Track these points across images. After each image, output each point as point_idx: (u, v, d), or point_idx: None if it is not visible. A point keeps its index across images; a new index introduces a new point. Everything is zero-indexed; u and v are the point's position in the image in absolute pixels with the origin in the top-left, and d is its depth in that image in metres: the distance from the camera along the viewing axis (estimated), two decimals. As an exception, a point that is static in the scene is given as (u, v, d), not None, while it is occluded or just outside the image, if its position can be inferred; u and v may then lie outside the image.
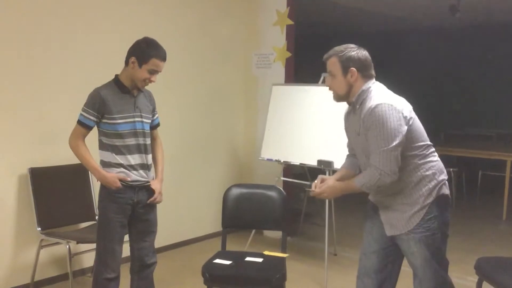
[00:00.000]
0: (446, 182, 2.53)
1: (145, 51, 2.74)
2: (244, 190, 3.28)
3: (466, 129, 8.60)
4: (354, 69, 2.43)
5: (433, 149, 2.55)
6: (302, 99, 4.46)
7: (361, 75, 2.45)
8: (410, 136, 2.40)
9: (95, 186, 3.73)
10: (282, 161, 4.50)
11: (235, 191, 3.26)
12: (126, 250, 3.00)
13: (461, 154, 6.57)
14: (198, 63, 4.86)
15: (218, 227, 3.41)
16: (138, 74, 2.76)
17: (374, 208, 2.62)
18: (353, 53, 2.45)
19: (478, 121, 8.66)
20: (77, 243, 3.48)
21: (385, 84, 2.55)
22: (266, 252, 3.04)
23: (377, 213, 2.59)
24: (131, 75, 2.78)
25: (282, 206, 3.21)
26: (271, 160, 4.56)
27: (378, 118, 2.32)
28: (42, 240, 3.61)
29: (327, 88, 2.58)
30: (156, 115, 3.05)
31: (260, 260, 2.98)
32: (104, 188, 2.86)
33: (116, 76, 2.85)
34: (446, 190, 2.51)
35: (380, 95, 2.40)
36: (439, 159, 2.55)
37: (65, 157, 3.64)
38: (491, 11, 7.26)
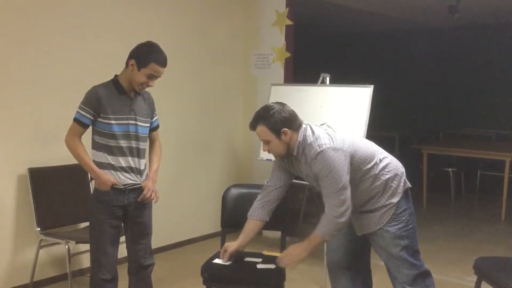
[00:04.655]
0: (404, 173, 2.62)
1: (145, 55, 2.70)
2: (243, 190, 3.28)
3: (465, 129, 8.61)
4: (285, 129, 2.47)
5: (381, 150, 2.63)
6: (301, 99, 4.45)
7: (292, 130, 2.50)
8: (356, 158, 2.49)
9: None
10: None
11: (234, 191, 3.25)
12: (124, 251, 3.00)
13: (460, 154, 6.57)
14: (197, 63, 4.86)
15: (217, 227, 3.41)
16: (136, 78, 2.73)
17: None
18: (277, 115, 2.47)
19: (477, 121, 8.67)
20: (76, 243, 3.50)
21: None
22: (265, 252, 3.04)
23: None
24: (129, 77, 2.76)
25: (281, 206, 3.21)
26: (270, 160, 4.56)
27: (323, 165, 2.41)
28: (41, 240, 3.61)
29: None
30: (156, 118, 3.03)
31: (259, 260, 2.98)
32: (95, 189, 2.85)
33: (116, 76, 2.84)
34: (408, 183, 2.62)
35: (314, 141, 2.46)
36: (389, 155, 2.64)
37: (65, 157, 3.63)
38: (491, 12, 7.27)
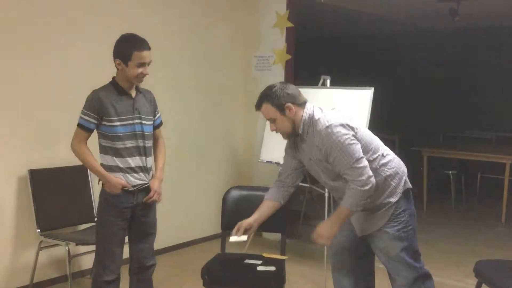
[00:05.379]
0: (406, 173, 2.61)
1: (125, 49, 2.73)
2: (243, 192, 3.28)
3: (465, 131, 8.61)
4: (289, 104, 2.48)
5: (385, 147, 2.62)
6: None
7: (297, 105, 2.51)
8: (362, 144, 2.47)
9: (95, 188, 3.73)
10: (281, 163, 4.49)
11: (235, 193, 3.25)
12: (125, 252, 3.00)
13: (460, 157, 6.57)
14: (198, 65, 4.86)
15: (217, 229, 3.40)
16: (129, 73, 2.75)
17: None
18: (279, 91, 2.49)
19: (477, 124, 8.67)
20: (76, 244, 3.49)
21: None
22: (265, 254, 3.04)
23: None
24: (124, 76, 2.78)
25: (281, 208, 3.21)
26: (270, 162, 4.56)
27: (332, 140, 2.40)
28: (41, 241, 3.61)
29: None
30: (158, 115, 3.04)
31: (259, 262, 2.98)
32: (104, 191, 2.85)
33: (113, 78, 2.85)
34: (409, 184, 2.60)
35: (323, 117, 2.47)
36: (393, 153, 2.63)
37: (65, 158, 3.64)
38: (491, 15, 7.28)
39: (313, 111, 2.50)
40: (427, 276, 2.61)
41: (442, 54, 8.91)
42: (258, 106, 2.55)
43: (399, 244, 2.51)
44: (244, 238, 2.71)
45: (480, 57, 8.55)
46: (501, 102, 8.42)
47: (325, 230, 2.54)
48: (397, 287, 2.60)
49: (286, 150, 2.74)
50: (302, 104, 2.53)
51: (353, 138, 2.41)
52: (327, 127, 2.41)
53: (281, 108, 2.49)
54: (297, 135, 2.56)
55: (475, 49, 8.58)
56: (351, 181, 2.41)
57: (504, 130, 8.27)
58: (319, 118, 2.46)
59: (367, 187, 2.39)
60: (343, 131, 2.41)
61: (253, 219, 2.72)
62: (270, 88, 2.54)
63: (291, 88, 2.53)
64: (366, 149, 2.48)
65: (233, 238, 2.72)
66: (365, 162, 2.40)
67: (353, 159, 2.38)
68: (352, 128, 2.45)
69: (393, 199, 2.51)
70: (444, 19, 6.77)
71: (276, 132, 2.59)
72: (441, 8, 6.41)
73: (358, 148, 2.41)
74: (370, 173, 2.40)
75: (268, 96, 2.50)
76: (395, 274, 2.58)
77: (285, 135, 2.60)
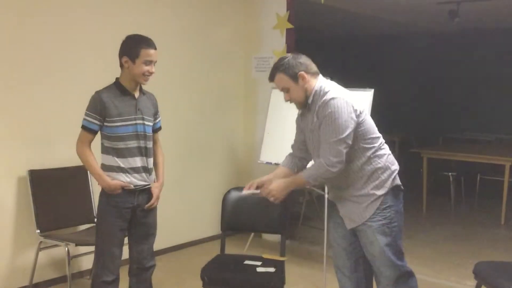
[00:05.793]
0: (397, 171, 2.62)
1: (133, 47, 2.75)
2: (243, 193, 3.28)
3: (464, 133, 8.63)
4: (302, 72, 2.53)
5: (384, 142, 2.64)
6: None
7: (310, 74, 2.56)
8: (362, 129, 2.50)
9: (95, 189, 3.74)
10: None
11: (234, 194, 3.26)
12: (125, 252, 3.00)
13: (460, 159, 6.57)
14: (198, 67, 4.87)
15: (217, 230, 3.42)
16: (135, 71, 2.76)
17: (335, 206, 2.69)
18: (292, 60, 2.56)
19: (476, 126, 8.69)
20: (76, 245, 3.49)
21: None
22: (265, 255, 3.05)
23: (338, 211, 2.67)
24: (130, 75, 2.79)
25: (281, 210, 3.21)
26: (270, 163, 4.56)
27: (331, 111, 2.43)
28: (41, 242, 3.61)
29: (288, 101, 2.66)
30: (159, 119, 3.05)
31: (259, 263, 2.99)
32: (104, 192, 2.86)
33: (117, 79, 2.86)
34: (398, 181, 2.61)
35: (334, 90, 2.52)
36: (390, 152, 2.64)
37: (65, 159, 3.65)
38: (490, 16, 7.29)
39: (326, 84, 2.55)
40: (409, 275, 2.61)
41: (442, 56, 8.93)
42: (272, 77, 2.60)
43: (383, 239, 2.51)
44: (257, 191, 2.70)
45: (479, 58, 8.57)
46: (501, 104, 8.44)
47: (277, 190, 2.57)
48: (382, 287, 2.60)
49: (296, 121, 2.77)
50: (314, 73, 2.58)
51: (350, 120, 2.43)
52: (332, 98, 2.44)
53: (295, 77, 2.53)
54: (306, 105, 2.60)
55: (475, 50, 8.60)
56: (322, 155, 2.45)
57: (504, 131, 8.28)
58: (329, 90, 2.50)
59: (333, 169, 2.42)
60: (345, 108, 2.43)
61: (266, 178, 2.74)
62: (282, 59, 2.59)
63: (303, 58, 2.58)
64: (365, 135, 2.51)
65: (246, 192, 2.72)
66: (344, 148, 2.42)
67: (336, 137, 2.41)
68: (355, 110, 2.46)
69: (379, 192, 2.52)
70: (444, 20, 6.79)
71: (290, 102, 2.62)
72: (441, 10, 6.42)
73: (349, 131, 2.42)
74: (344, 158, 2.42)
75: (281, 66, 2.56)
76: (379, 273, 2.58)
77: (299, 104, 2.64)
